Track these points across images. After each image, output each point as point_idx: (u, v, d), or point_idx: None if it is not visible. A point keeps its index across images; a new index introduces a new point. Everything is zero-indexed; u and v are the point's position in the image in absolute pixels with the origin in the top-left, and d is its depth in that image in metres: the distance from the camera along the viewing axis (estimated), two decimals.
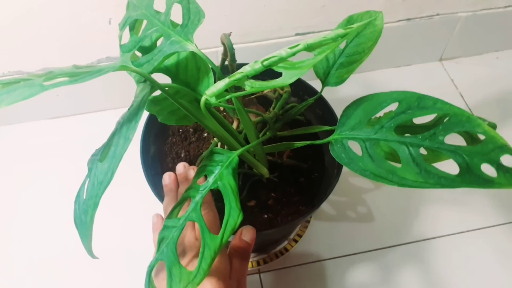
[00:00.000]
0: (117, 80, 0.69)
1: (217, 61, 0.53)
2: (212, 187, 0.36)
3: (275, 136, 0.50)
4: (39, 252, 0.64)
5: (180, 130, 0.59)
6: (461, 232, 0.65)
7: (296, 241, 0.62)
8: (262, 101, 0.58)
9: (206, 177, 0.37)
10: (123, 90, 0.72)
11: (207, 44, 0.70)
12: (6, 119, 0.78)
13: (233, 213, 0.34)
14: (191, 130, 0.59)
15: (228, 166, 0.37)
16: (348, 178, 0.70)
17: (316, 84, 0.52)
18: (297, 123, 0.59)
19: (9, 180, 0.72)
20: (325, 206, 0.68)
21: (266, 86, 0.33)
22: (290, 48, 0.32)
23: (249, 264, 0.59)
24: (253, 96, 0.57)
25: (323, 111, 0.57)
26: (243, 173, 0.52)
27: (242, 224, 0.49)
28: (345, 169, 0.42)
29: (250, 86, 0.33)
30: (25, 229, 0.66)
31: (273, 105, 0.55)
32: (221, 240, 0.33)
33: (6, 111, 0.76)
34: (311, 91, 0.57)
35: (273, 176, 0.52)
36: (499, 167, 0.30)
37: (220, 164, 0.37)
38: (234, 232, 0.34)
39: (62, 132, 0.78)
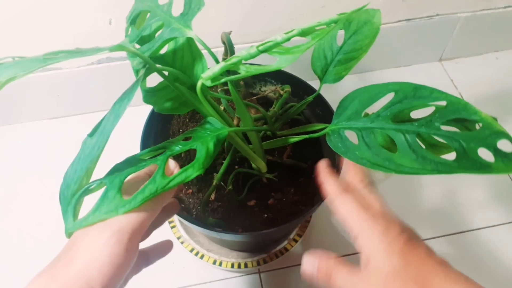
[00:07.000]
0: (117, 80, 0.69)
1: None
2: (191, 147, 0.36)
3: (274, 135, 0.50)
4: (39, 252, 0.64)
5: (181, 130, 0.59)
6: (461, 232, 0.65)
7: (296, 241, 0.62)
8: (263, 101, 0.58)
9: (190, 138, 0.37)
10: (123, 90, 0.72)
11: (207, 44, 0.70)
12: (6, 119, 0.78)
13: (196, 165, 0.34)
14: None
15: (215, 137, 0.37)
16: None
17: (316, 84, 0.52)
18: (296, 122, 0.59)
19: (9, 180, 0.72)
20: (325, 204, 0.68)
21: (261, 70, 0.33)
22: (285, 33, 0.32)
23: (249, 264, 0.59)
24: (254, 97, 0.57)
25: (322, 111, 0.57)
26: (243, 173, 0.52)
27: (242, 224, 0.50)
28: None
29: (245, 71, 0.34)
30: (25, 229, 0.66)
31: (273, 106, 0.55)
32: (168, 182, 0.32)
33: (6, 111, 0.77)
34: (311, 91, 0.57)
35: (273, 176, 0.52)
36: (496, 152, 0.29)
37: (208, 131, 0.37)
38: None
39: (62, 132, 0.78)
